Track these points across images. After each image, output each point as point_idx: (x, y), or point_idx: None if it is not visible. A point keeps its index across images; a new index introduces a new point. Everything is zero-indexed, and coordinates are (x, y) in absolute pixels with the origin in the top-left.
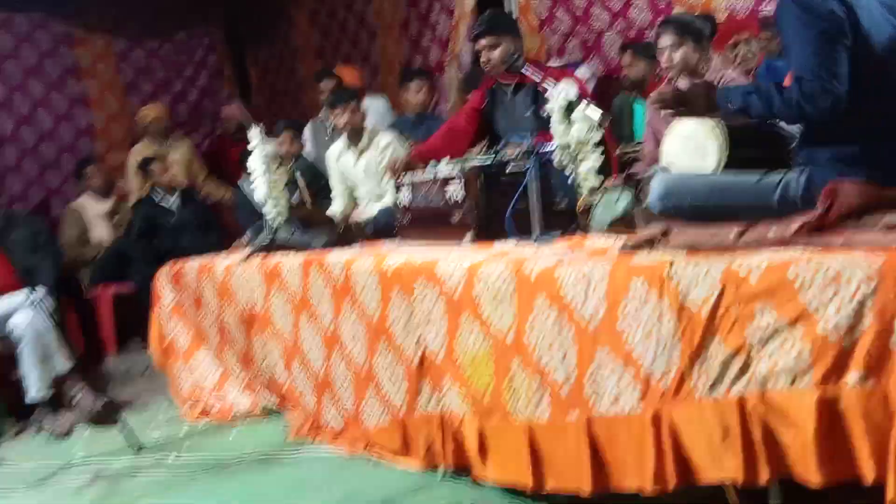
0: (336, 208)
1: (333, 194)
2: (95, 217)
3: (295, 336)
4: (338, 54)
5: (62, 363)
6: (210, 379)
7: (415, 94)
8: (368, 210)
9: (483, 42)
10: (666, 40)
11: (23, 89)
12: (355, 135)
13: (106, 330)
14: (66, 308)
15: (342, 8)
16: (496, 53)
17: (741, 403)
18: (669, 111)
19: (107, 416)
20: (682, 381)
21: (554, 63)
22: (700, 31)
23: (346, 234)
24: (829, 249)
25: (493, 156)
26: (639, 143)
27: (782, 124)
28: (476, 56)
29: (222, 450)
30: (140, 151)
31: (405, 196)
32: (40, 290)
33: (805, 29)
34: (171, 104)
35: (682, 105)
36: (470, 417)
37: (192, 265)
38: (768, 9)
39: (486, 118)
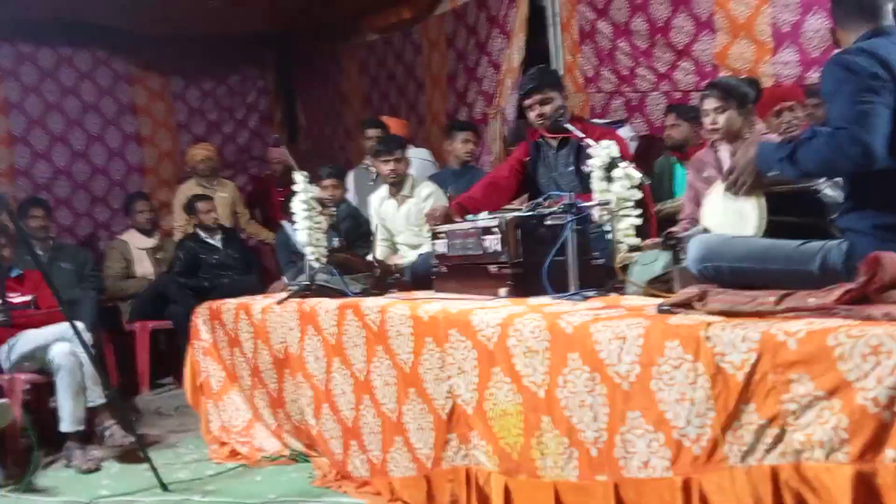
0: (377, 254)
1: (375, 240)
2: (139, 252)
3: (326, 380)
4: (385, 104)
5: (96, 397)
6: (240, 420)
7: (462, 145)
8: (407, 258)
9: (536, 97)
10: (711, 103)
11: (80, 124)
12: (398, 184)
13: (141, 365)
14: (105, 341)
15: (392, 58)
16: (547, 109)
17: (774, 474)
18: (734, 191)
19: (134, 453)
20: (714, 447)
21: (597, 122)
22: (745, 96)
23: (384, 280)
24: (869, 320)
25: (533, 209)
26: (676, 199)
27: (827, 190)
28: (521, 110)
29: (247, 494)
30: (187, 190)
31: (443, 245)
32: (80, 324)
33: (845, 85)
34: (220, 145)
35: (743, 184)
36: (497, 473)
37: (230, 305)
38: (814, 76)
39: (528, 172)
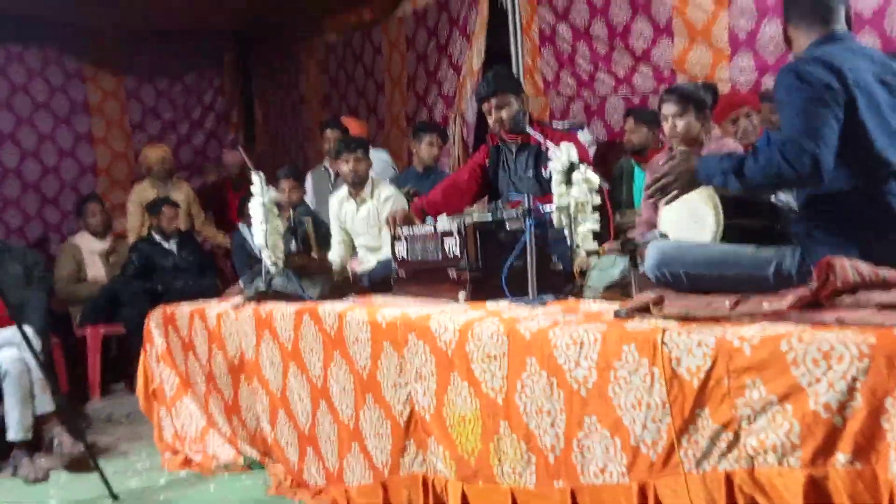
0: (334, 256)
1: (333, 241)
2: (91, 255)
3: (282, 387)
4: (344, 105)
5: (44, 404)
6: (194, 427)
7: (426, 148)
8: (366, 261)
9: (493, 101)
10: (669, 108)
11: (30, 123)
12: (358, 184)
13: (92, 371)
14: (55, 346)
15: (352, 59)
16: (504, 113)
17: (728, 479)
18: (660, 196)
19: (84, 461)
20: (670, 452)
21: (557, 125)
22: (703, 101)
23: (342, 284)
24: (822, 325)
25: (493, 213)
26: (635, 212)
27: (780, 195)
28: (480, 114)
29: (200, 503)
30: (142, 191)
31: (403, 249)
32: (29, 328)
33: (797, 94)
34: (175, 146)
35: (667, 188)
36: (454, 480)
37: (185, 309)
38: (770, 83)
39: (488, 175)
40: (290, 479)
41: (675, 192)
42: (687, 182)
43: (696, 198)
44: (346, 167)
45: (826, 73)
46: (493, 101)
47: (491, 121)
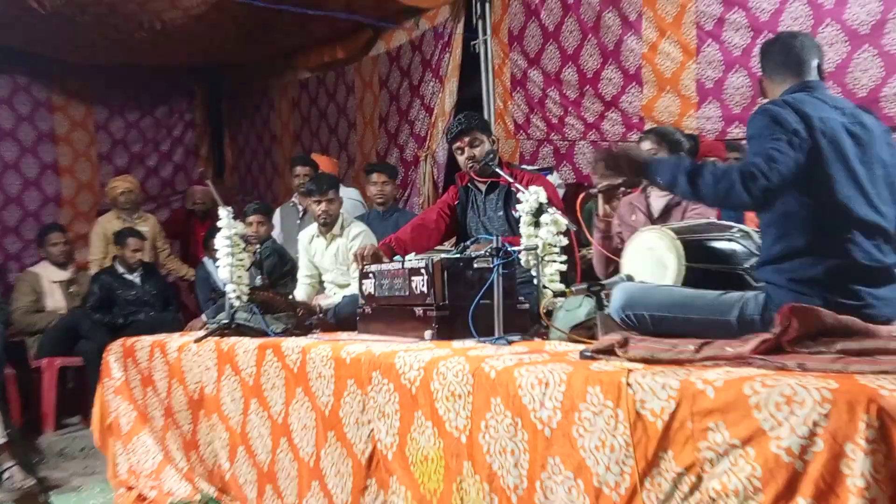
0: (300, 294)
1: (300, 280)
2: (51, 285)
3: (243, 422)
4: (316, 142)
5: None
6: (149, 462)
7: (372, 186)
8: (333, 297)
9: (465, 139)
10: (645, 145)
11: None
12: (329, 224)
13: (47, 403)
14: (9, 376)
15: (324, 97)
16: (477, 151)
17: None
18: (602, 172)
19: (35, 497)
20: (633, 495)
21: (527, 168)
22: (677, 143)
23: (306, 320)
24: (784, 370)
25: (461, 252)
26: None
27: (753, 237)
28: (451, 155)
29: None
30: (106, 223)
31: (370, 285)
32: None
33: (766, 132)
34: (143, 177)
35: (611, 167)
36: None
37: (145, 342)
38: (736, 132)
39: (457, 216)
40: None
41: (612, 170)
42: (630, 165)
43: (660, 243)
44: (318, 208)
45: (797, 118)
46: (466, 140)
47: (462, 159)
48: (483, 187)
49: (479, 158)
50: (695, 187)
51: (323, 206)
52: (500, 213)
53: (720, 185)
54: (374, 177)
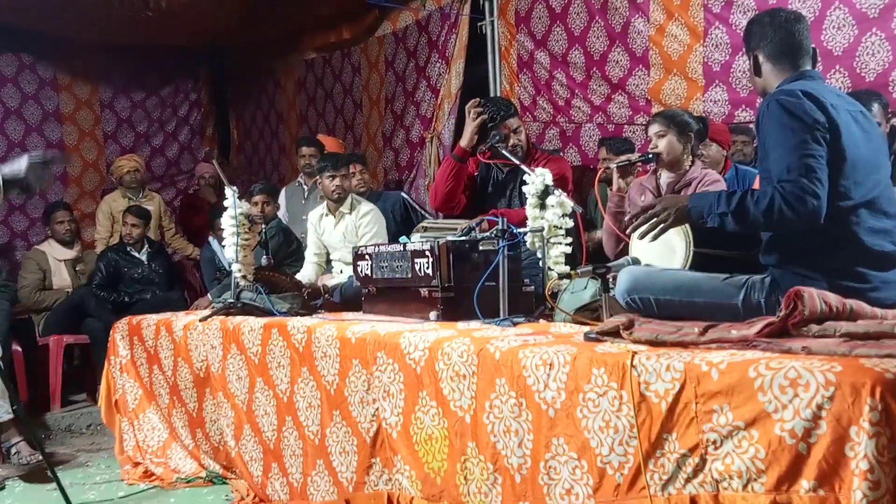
0: (306, 273)
1: (306, 259)
2: (58, 263)
3: (248, 401)
4: (321, 122)
5: (2, 412)
6: (156, 440)
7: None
8: (338, 275)
9: (515, 123)
10: (653, 128)
11: (1, 130)
12: (341, 201)
13: (53, 380)
14: (16, 354)
15: (330, 77)
16: (523, 137)
17: (693, 503)
18: (645, 231)
19: (42, 471)
20: (636, 475)
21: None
22: (686, 125)
23: (312, 300)
24: (789, 353)
25: (466, 233)
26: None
27: None
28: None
29: None
30: (112, 201)
31: (366, 267)
32: None
33: (788, 132)
34: (148, 157)
35: (655, 222)
36: (419, 498)
37: (151, 320)
38: (743, 115)
39: (476, 188)
40: (252, 494)
41: (662, 227)
42: (677, 218)
43: None
44: (330, 183)
45: (814, 106)
46: (515, 123)
47: (510, 142)
48: (505, 169)
49: (522, 144)
50: (745, 224)
51: (337, 181)
52: (517, 200)
53: (768, 216)
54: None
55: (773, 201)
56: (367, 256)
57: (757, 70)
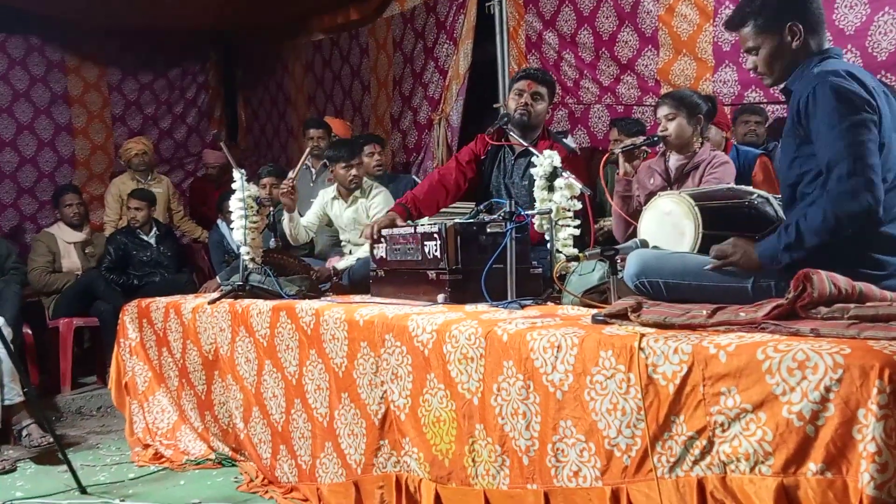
0: (307, 219)
1: (302, 220)
2: (67, 246)
3: (257, 383)
4: (330, 104)
5: (13, 394)
6: (165, 422)
7: (367, 158)
8: (348, 258)
9: (533, 86)
10: (663, 111)
11: (10, 112)
12: (358, 185)
13: (64, 363)
14: (26, 336)
15: (338, 59)
16: (539, 107)
17: (700, 485)
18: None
19: (53, 453)
20: (644, 457)
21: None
22: (696, 106)
23: (320, 282)
24: (797, 336)
25: (474, 216)
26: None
27: (773, 203)
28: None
29: (169, 498)
30: (121, 184)
31: (382, 249)
32: (1, 318)
33: (838, 118)
34: (157, 139)
35: (732, 263)
36: (427, 480)
37: (160, 303)
38: (752, 96)
39: (478, 167)
40: (261, 476)
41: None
42: (748, 266)
43: (677, 209)
44: (346, 173)
45: (861, 88)
46: (533, 87)
47: (519, 101)
48: (515, 150)
49: (538, 112)
50: (809, 249)
51: (353, 171)
52: (525, 182)
53: (828, 231)
54: (368, 148)
55: (828, 220)
56: (383, 239)
57: (804, 45)
